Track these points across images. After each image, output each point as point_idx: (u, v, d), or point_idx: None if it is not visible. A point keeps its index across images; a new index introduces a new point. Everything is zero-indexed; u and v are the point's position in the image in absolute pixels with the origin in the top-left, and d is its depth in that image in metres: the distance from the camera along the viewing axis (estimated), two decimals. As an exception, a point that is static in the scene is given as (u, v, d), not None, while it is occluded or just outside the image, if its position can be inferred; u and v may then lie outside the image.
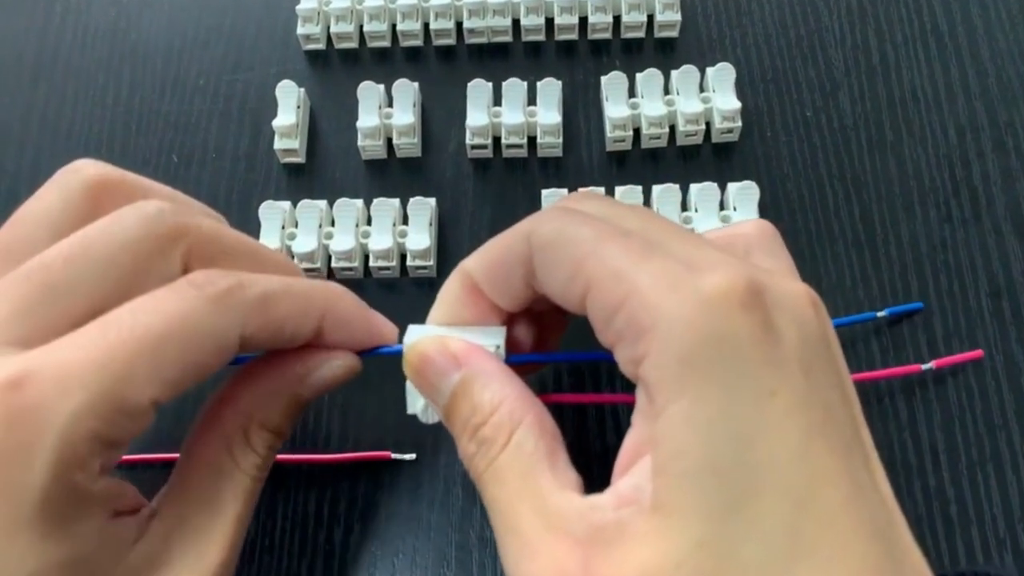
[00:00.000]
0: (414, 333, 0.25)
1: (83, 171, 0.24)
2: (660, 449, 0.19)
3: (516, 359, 0.26)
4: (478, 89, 0.35)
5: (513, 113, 0.35)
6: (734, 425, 0.19)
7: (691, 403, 0.19)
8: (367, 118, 0.35)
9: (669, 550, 0.19)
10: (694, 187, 0.34)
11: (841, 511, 0.19)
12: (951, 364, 0.31)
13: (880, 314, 0.32)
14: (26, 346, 0.21)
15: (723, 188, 0.34)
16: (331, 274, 0.34)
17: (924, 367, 0.31)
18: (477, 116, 0.35)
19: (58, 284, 0.21)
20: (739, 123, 0.35)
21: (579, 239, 0.22)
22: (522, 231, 0.24)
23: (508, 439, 0.22)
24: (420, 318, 0.33)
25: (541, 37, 0.38)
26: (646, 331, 0.20)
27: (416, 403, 0.26)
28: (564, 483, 0.21)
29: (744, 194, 0.33)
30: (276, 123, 0.35)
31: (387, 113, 0.36)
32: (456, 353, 0.24)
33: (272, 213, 0.33)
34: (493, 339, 0.25)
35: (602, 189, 0.34)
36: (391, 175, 0.36)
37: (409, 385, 0.26)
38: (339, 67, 0.39)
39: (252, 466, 0.25)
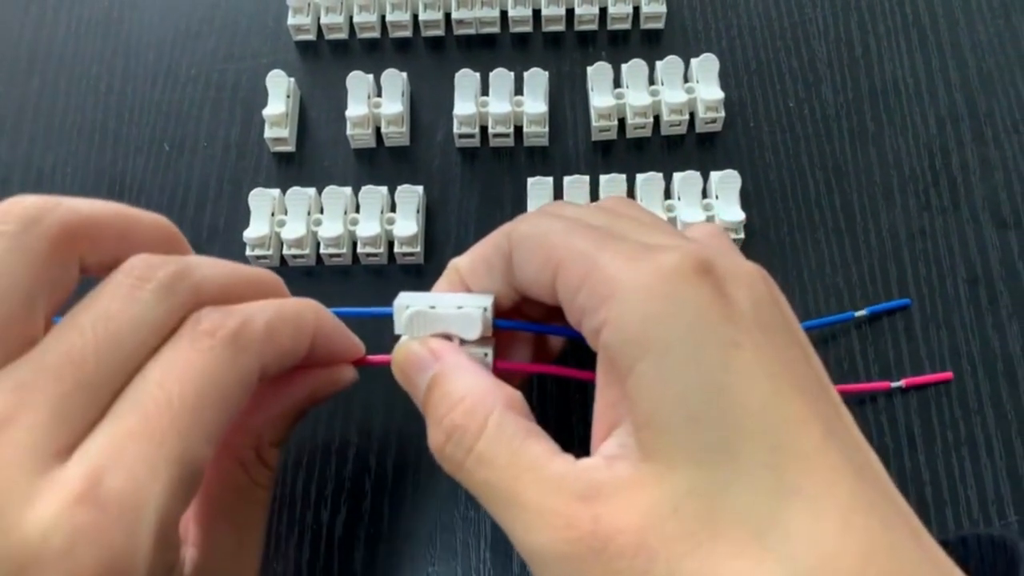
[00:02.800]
0: (404, 298, 0.26)
1: (43, 222, 0.21)
2: (636, 405, 0.20)
3: (502, 324, 0.26)
4: (466, 79, 0.36)
5: (500, 102, 0.36)
6: (704, 374, 0.20)
7: (658, 357, 0.20)
8: (356, 107, 0.36)
9: (664, 495, 0.19)
10: (677, 176, 0.34)
11: (818, 452, 0.19)
12: (920, 384, 0.32)
13: (859, 313, 0.33)
14: (68, 451, 0.19)
15: (706, 177, 0.34)
16: (319, 260, 0.34)
17: (893, 384, 0.32)
18: (464, 105, 0.36)
19: (93, 380, 0.20)
20: (722, 113, 0.36)
21: (551, 231, 0.24)
22: (504, 230, 0.25)
23: (484, 423, 0.22)
24: (407, 304, 0.34)
25: (528, 28, 0.39)
26: (606, 299, 0.21)
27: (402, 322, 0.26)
28: (553, 451, 0.22)
29: (726, 182, 0.34)
30: (266, 112, 0.36)
31: (376, 103, 0.36)
32: (434, 349, 0.25)
33: (262, 200, 0.34)
34: (481, 301, 0.25)
35: (587, 178, 0.34)
36: (380, 163, 0.37)
37: (398, 311, 0.26)
38: (329, 57, 0.39)
39: (267, 479, 0.26)
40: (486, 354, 0.26)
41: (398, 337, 0.26)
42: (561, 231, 0.23)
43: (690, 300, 0.20)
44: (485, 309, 0.25)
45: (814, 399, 0.20)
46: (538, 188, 0.34)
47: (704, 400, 0.20)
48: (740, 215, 0.33)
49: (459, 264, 0.27)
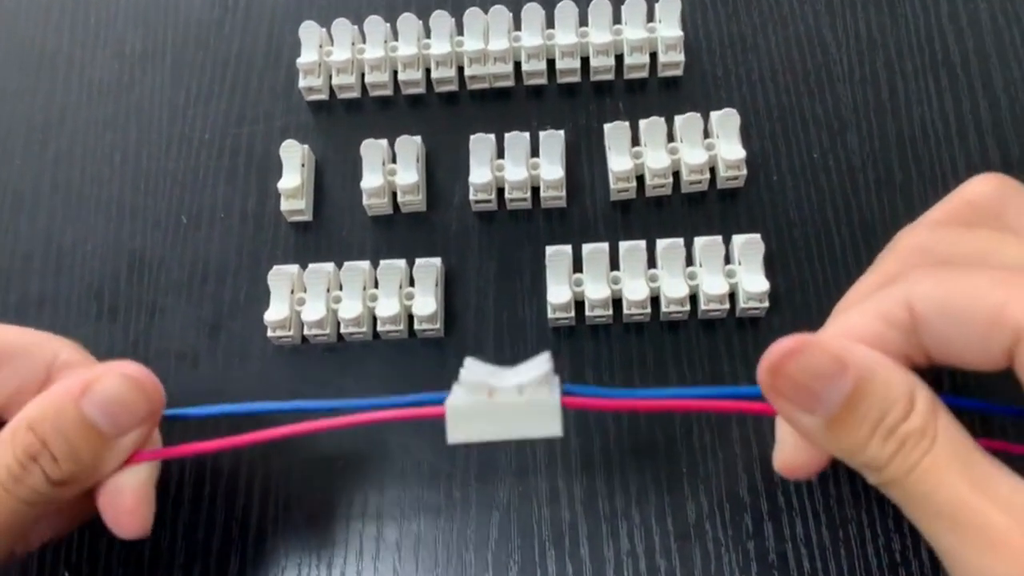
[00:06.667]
0: (470, 364, 0.24)
1: None
2: None
3: (572, 390, 0.23)
4: (480, 143, 0.35)
5: (516, 167, 0.35)
6: None
7: None
8: (371, 178, 0.35)
9: None
10: (698, 242, 0.33)
11: None
12: None
13: None
14: None
15: (728, 239, 0.34)
16: (340, 338, 0.34)
17: None
18: (480, 172, 0.35)
19: None
20: (744, 171, 0.35)
21: (979, 290, 0.21)
22: (894, 298, 0.22)
23: (936, 429, 0.20)
24: (429, 378, 0.34)
25: (543, 81, 0.38)
26: None
27: (461, 431, 0.23)
28: (998, 465, 0.20)
29: (749, 249, 0.33)
30: (281, 185, 0.35)
31: (391, 170, 0.36)
32: (832, 351, 0.21)
33: (280, 280, 0.34)
34: (543, 364, 0.23)
35: (606, 247, 0.34)
36: (397, 230, 0.36)
37: (450, 410, 0.23)
38: (343, 116, 0.39)
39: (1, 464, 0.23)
40: None
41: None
42: (993, 286, 0.20)
43: None
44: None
45: None
46: (557, 260, 0.33)
47: None
48: (764, 285, 0.32)
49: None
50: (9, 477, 0.23)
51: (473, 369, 0.24)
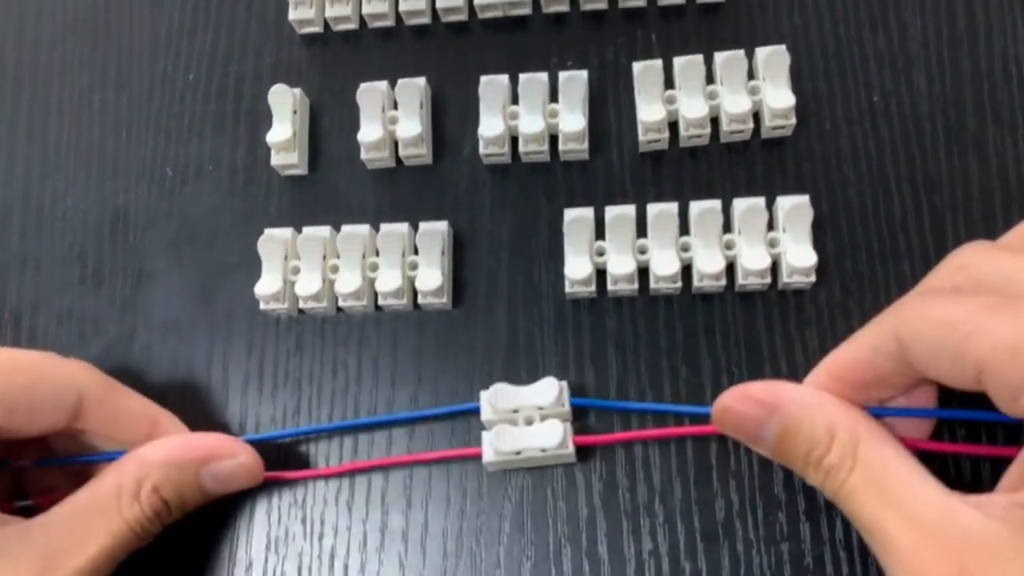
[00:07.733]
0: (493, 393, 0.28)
1: None
2: None
3: (577, 403, 0.29)
4: (491, 88, 0.31)
5: (532, 117, 0.31)
6: None
7: None
8: (370, 128, 0.32)
9: None
10: (738, 207, 0.29)
11: None
12: None
13: None
14: None
15: (771, 201, 0.30)
16: (339, 310, 0.31)
17: None
18: (492, 123, 0.31)
19: None
20: (792, 120, 0.30)
21: (950, 323, 0.22)
22: (884, 330, 0.24)
23: (854, 459, 0.23)
24: (437, 353, 0.31)
25: (565, 7, 0.33)
26: None
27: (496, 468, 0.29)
28: (920, 482, 0.22)
29: (795, 214, 0.29)
30: (271, 139, 0.32)
31: (392, 117, 0.32)
32: (760, 399, 0.25)
33: (272, 247, 0.31)
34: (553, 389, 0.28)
35: (632, 211, 0.30)
36: (400, 185, 0.33)
37: (486, 465, 0.29)
38: (340, 49, 0.35)
39: (133, 517, 0.26)
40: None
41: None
42: (965, 319, 0.21)
43: None
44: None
45: None
46: (576, 228, 0.30)
47: None
48: (811, 258, 0.28)
49: (831, 371, 0.25)
50: (139, 525, 0.27)
51: (496, 396, 0.28)
